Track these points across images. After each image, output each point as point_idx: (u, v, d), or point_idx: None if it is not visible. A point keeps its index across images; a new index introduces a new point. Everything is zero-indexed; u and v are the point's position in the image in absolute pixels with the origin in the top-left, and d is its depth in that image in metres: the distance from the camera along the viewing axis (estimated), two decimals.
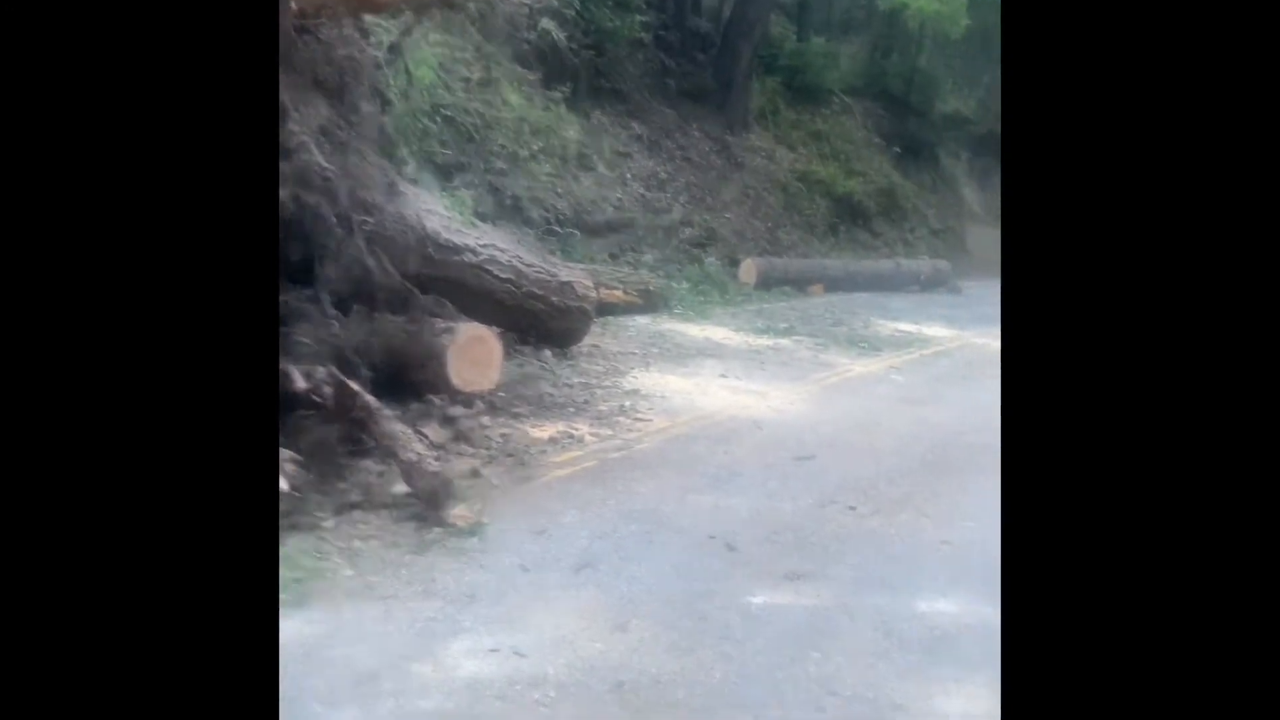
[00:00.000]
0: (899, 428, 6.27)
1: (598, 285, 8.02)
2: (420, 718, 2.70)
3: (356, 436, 4.54)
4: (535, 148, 11.30)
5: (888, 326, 10.56)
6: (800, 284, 12.81)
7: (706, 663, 3.08)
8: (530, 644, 3.13)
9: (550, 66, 12.11)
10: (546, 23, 10.62)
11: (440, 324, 5.79)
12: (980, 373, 8.43)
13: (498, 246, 6.86)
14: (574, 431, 5.64)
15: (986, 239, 19.77)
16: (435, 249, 6.17)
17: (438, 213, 6.85)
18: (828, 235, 15.44)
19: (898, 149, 18.38)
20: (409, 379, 5.62)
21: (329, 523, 3.96)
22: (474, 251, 6.52)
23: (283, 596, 2.72)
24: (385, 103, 7.36)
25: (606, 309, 8.52)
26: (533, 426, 5.63)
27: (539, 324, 7.08)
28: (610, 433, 5.74)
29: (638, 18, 13.33)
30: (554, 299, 7.04)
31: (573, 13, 11.89)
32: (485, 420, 5.56)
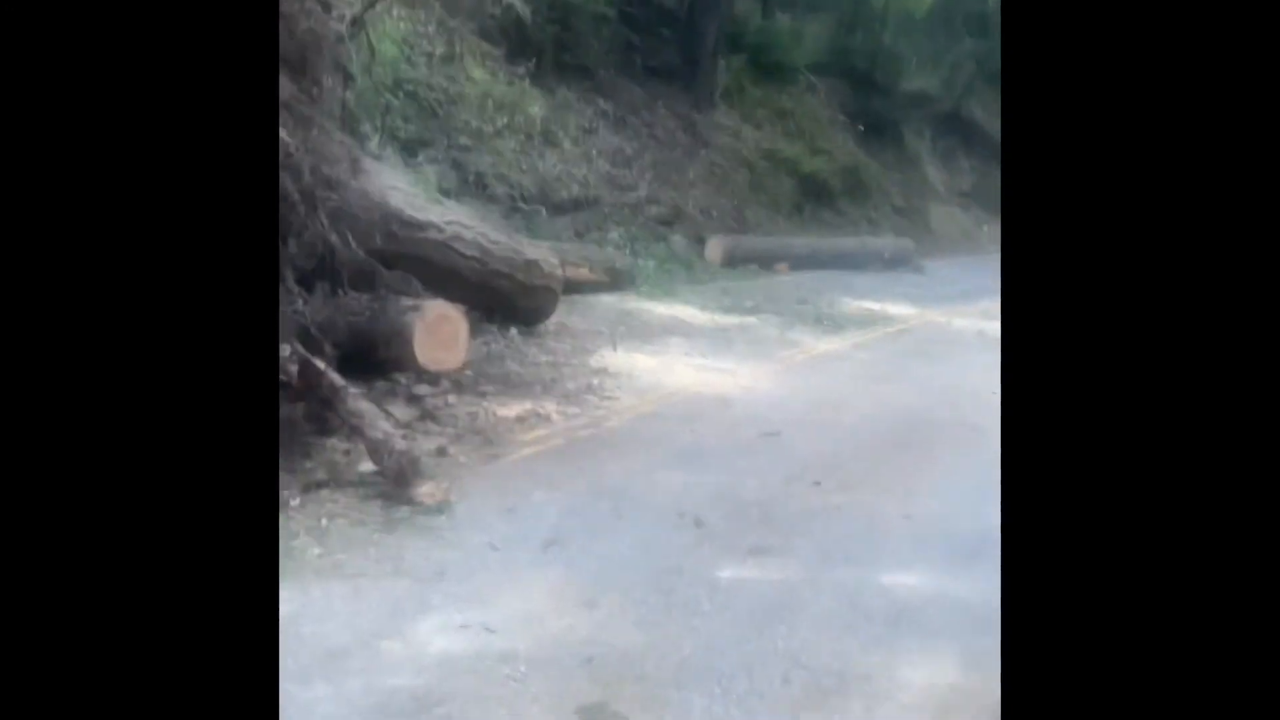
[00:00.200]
0: (863, 405, 6.34)
1: (563, 263, 7.99)
2: (391, 694, 2.71)
3: (322, 415, 4.51)
4: (500, 124, 11.21)
5: (852, 305, 10.64)
6: (766, 262, 12.84)
7: (675, 637, 3.12)
8: (500, 620, 3.15)
9: (514, 41, 11.99)
10: None
11: (405, 302, 5.75)
12: (942, 350, 8.54)
13: (463, 224, 6.82)
14: (541, 410, 5.64)
15: (949, 218, 19.97)
16: (400, 226, 6.11)
17: (402, 189, 6.80)
18: (793, 214, 15.48)
19: (862, 127, 18.44)
20: (374, 357, 5.58)
21: (295, 501, 3.94)
22: (439, 228, 6.47)
23: None
24: (348, 77, 7.26)
25: (573, 287, 8.49)
26: (500, 405, 5.62)
27: (505, 302, 7.06)
28: (578, 411, 5.75)
29: None
30: (520, 277, 7.01)
31: None
32: (452, 399, 5.54)
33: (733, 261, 12.44)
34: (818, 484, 4.67)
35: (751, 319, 9.25)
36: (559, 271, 7.53)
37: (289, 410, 4.39)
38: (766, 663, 2.99)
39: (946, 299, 11.59)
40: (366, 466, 4.31)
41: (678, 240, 12.62)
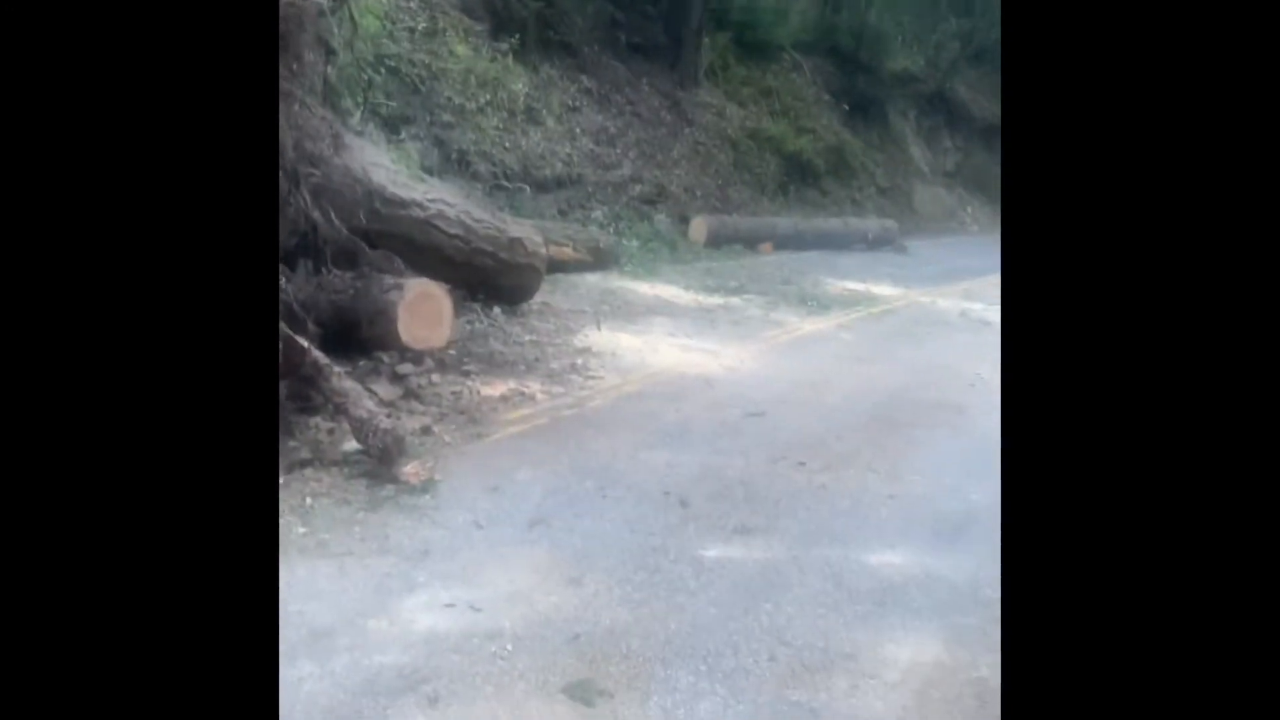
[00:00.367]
0: (847, 385, 6.36)
1: (547, 242, 7.95)
2: (377, 672, 2.71)
3: (305, 393, 4.48)
4: (483, 100, 11.12)
5: (836, 285, 10.66)
6: (750, 242, 12.83)
7: (660, 614, 3.13)
8: (486, 599, 3.15)
9: (498, 17, 11.88)
10: None
11: (389, 280, 5.72)
12: (925, 331, 8.58)
13: (446, 201, 6.77)
14: (525, 389, 5.63)
15: (933, 198, 20.00)
16: (382, 203, 6.07)
17: (384, 166, 6.74)
18: (778, 193, 15.46)
19: (847, 106, 18.41)
20: (357, 336, 5.55)
21: (280, 480, 3.92)
22: (422, 206, 6.42)
23: None
24: (329, 52, 7.18)
25: (556, 266, 8.46)
26: (484, 384, 5.60)
27: (489, 281, 7.02)
28: (562, 390, 5.74)
29: None
30: (503, 255, 6.98)
31: None
32: (435, 378, 5.52)
33: (717, 241, 12.43)
34: (802, 464, 4.69)
35: (736, 299, 9.25)
36: (543, 250, 7.49)
37: None
38: (752, 640, 3.01)
39: (930, 279, 11.63)
40: (351, 445, 4.29)
41: (662, 219, 12.59)
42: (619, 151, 13.03)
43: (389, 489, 3.96)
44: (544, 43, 12.67)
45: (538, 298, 7.62)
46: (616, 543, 3.65)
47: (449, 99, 10.62)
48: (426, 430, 4.77)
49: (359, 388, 4.55)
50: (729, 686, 2.75)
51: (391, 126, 9.82)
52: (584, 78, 13.28)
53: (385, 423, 4.23)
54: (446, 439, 4.73)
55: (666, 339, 7.32)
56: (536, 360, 6.28)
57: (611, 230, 11.19)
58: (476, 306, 7.03)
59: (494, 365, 6.01)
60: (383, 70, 9.86)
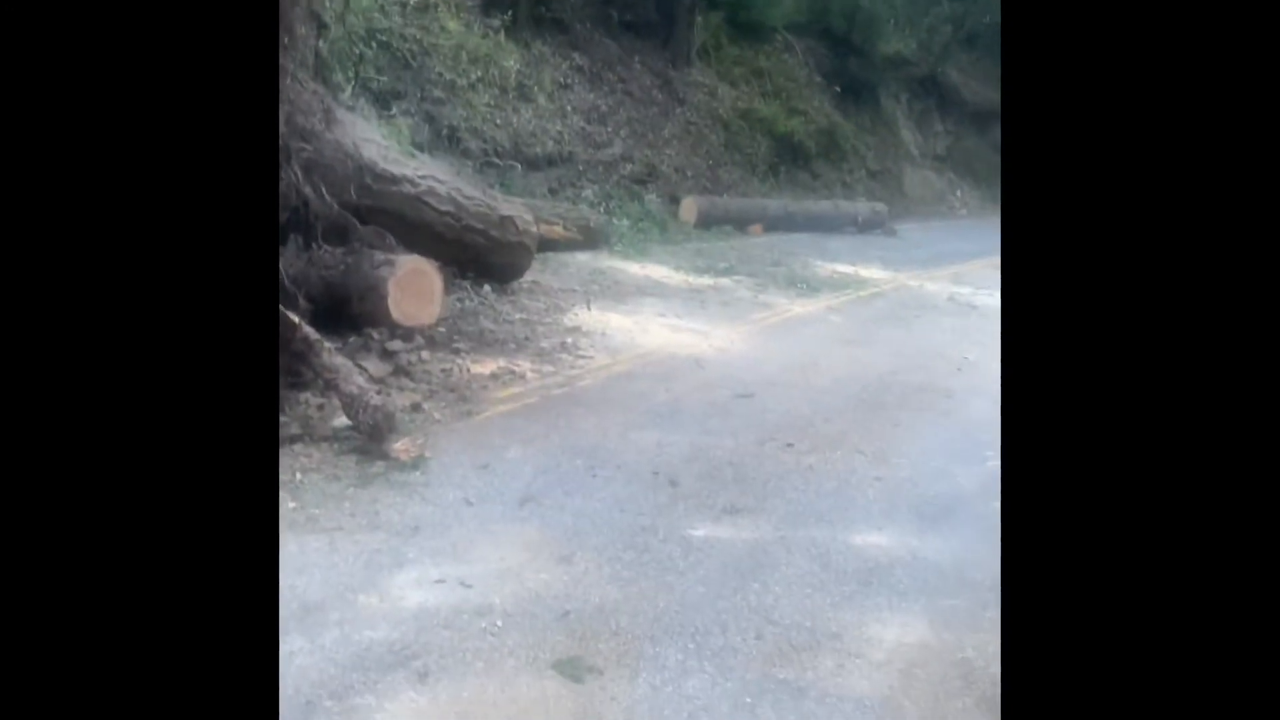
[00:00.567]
0: (836, 367, 6.39)
1: (538, 220, 7.94)
2: (368, 647, 2.73)
3: (296, 369, 4.48)
4: (474, 77, 11.05)
5: (826, 268, 10.68)
6: (740, 223, 12.83)
7: (649, 593, 3.16)
8: (476, 575, 3.17)
9: None
10: None
11: (380, 256, 5.70)
12: (914, 314, 8.61)
13: (436, 178, 6.74)
14: (515, 367, 5.64)
15: (923, 181, 20.02)
16: (373, 179, 6.04)
17: (375, 141, 6.69)
18: (768, 175, 15.45)
19: (838, 88, 18.37)
20: (348, 312, 5.55)
21: None
22: (412, 182, 6.39)
23: None
24: (321, 26, 7.11)
25: (546, 245, 8.45)
26: (474, 362, 5.61)
27: (479, 258, 7.01)
28: (552, 369, 5.75)
29: None
30: (494, 233, 6.96)
31: None
32: (425, 355, 5.52)
33: (707, 222, 12.43)
34: (790, 445, 4.72)
35: (725, 280, 9.26)
36: (533, 228, 7.48)
37: None
38: (739, 619, 3.04)
39: (919, 263, 11.66)
40: (341, 421, 4.30)
41: (652, 199, 12.57)
42: (610, 130, 12.99)
43: (379, 465, 3.98)
44: (536, 19, 12.59)
45: (528, 276, 7.62)
46: (606, 521, 3.68)
47: (440, 75, 10.56)
48: (416, 407, 4.77)
49: (349, 364, 4.55)
50: (717, 664, 2.79)
51: (382, 102, 9.76)
52: (576, 55, 13.21)
53: (375, 399, 4.24)
54: (436, 416, 4.74)
55: (656, 319, 7.33)
56: (526, 339, 6.28)
57: (602, 209, 11.17)
58: (467, 284, 7.02)
59: (484, 343, 6.01)
60: (374, 45, 9.79)
